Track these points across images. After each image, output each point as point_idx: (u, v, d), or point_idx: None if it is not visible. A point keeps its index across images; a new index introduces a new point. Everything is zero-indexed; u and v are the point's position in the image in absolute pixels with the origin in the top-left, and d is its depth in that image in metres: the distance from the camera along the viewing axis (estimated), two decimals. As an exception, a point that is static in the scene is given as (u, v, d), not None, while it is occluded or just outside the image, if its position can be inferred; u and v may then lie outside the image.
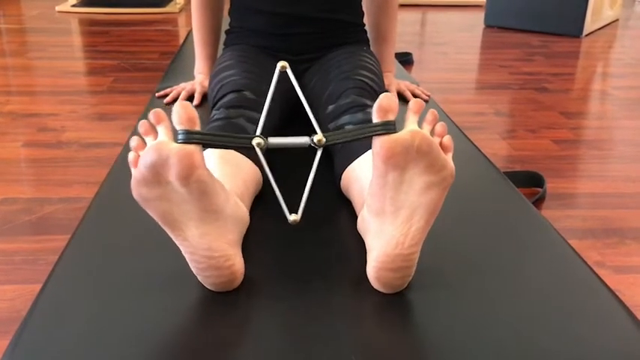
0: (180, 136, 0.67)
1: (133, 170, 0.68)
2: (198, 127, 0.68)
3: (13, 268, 1.20)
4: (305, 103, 0.77)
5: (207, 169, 0.69)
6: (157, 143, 0.66)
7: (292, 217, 0.72)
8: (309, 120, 1.26)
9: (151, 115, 0.68)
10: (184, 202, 0.68)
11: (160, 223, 0.69)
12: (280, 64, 0.75)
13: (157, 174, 0.66)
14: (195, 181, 0.67)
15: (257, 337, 0.66)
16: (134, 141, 0.69)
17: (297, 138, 0.74)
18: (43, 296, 0.72)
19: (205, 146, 0.71)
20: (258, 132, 0.75)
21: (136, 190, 0.67)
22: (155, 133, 0.68)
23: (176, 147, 0.66)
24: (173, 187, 0.67)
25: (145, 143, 0.68)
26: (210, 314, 0.70)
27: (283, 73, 0.80)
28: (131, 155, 0.68)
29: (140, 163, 0.66)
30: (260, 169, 0.96)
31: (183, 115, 0.67)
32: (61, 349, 0.64)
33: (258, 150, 0.73)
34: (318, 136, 0.73)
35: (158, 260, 0.80)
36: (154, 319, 0.69)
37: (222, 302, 0.72)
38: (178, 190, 0.67)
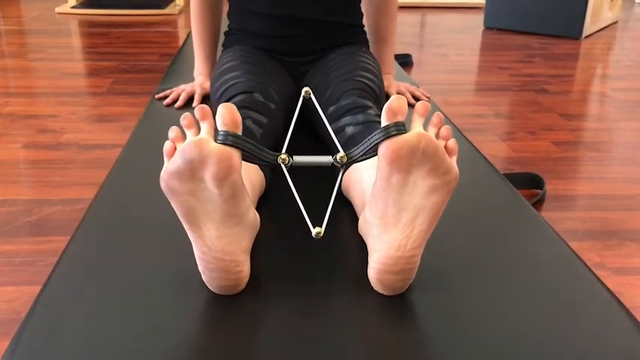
0: (220, 137, 0.66)
1: (166, 160, 0.67)
2: (240, 132, 0.68)
3: (12, 270, 1.20)
4: (328, 125, 0.78)
5: (241, 175, 0.69)
6: (199, 139, 0.65)
7: (316, 230, 0.72)
8: (312, 127, 1.26)
9: (197, 110, 0.68)
10: (211, 202, 0.68)
11: (180, 217, 0.69)
12: (305, 90, 0.76)
13: (192, 170, 0.66)
14: (229, 184, 0.67)
15: (258, 339, 0.66)
16: (173, 132, 0.68)
17: (320, 157, 0.75)
18: (43, 298, 0.72)
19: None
20: (284, 149, 0.75)
21: (167, 182, 0.67)
22: (197, 128, 0.68)
23: (217, 147, 0.65)
24: (205, 186, 0.67)
25: (184, 136, 0.68)
26: (211, 316, 0.70)
27: (303, 98, 0.80)
28: (168, 145, 0.68)
29: (177, 155, 0.66)
30: (265, 175, 0.96)
31: (228, 117, 0.67)
32: (60, 351, 0.64)
33: (283, 166, 0.73)
34: (340, 154, 0.73)
35: (158, 262, 0.80)
36: (154, 321, 0.69)
37: (222, 304, 0.72)
38: (209, 190, 0.67)
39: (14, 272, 1.19)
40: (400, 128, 0.68)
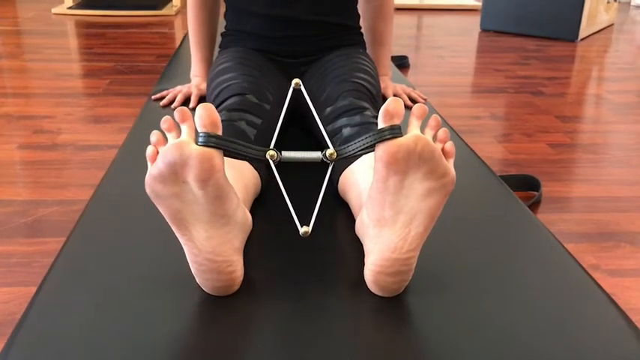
0: (200, 138, 0.66)
1: (149, 165, 0.67)
2: (220, 132, 0.68)
3: (7, 271, 1.20)
4: (318, 119, 0.77)
5: (225, 175, 0.69)
6: (179, 142, 0.65)
7: (303, 230, 0.72)
8: (306, 125, 1.26)
9: (177, 113, 0.68)
10: (197, 204, 0.68)
11: (168, 221, 0.69)
12: (295, 81, 0.75)
13: (174, 173, 0.66)
14: (212, 184, 0.67)
15: (254, 341, 0.66)
16: (154, 136, 0.68)
17: (309, 153, 0.74)
18: (38, 299, 0.72)
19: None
20: (272, 144, 0.74)
21: (151, 186, 0.67)
22: (178, 131, 0.68)
23: (197, 149, 0.65)
24: (189, 188, 0.67)
25: (165, 139, 0.68)
26: (207, 318, 0.70)
27: (293, 89, 0.80)
28: (150, 150, 0.68)
29: (159, 159, 0.66)
30: (260, 175, 0.96)
31: (207, 118, 0.67)
32: (55, 353, 0.63)
33: (271, 162, 0.73)
34: (330, 150, 0.73)
35: (154, 263, 0.79)
36: (149, 322, 0.68)
37: (218, 306, 0.72)
38: (194, 192, 0.67)
39: (9, 273, 1.19)
40: (396, 131, 0.68)
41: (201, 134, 0.67)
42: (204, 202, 0.68)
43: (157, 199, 0.68)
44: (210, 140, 0.67)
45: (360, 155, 0.72)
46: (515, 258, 0.83)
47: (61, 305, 0.71)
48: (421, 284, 0.76)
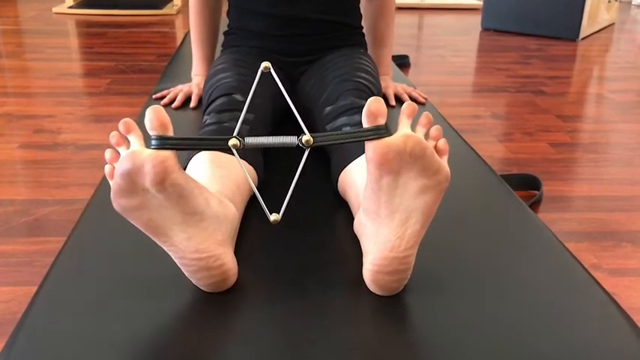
0: (153, 142, 0.66)
1: (110, 183, 0.68)
2: (171, 132, 0.68)
3: (8, 270, 1.20)
4: (289, 100, 0.74)
5: (183, 173, 0.68)
6: (129, 152, 0.66)
7: (273, 217, 0.71)
8: (305, 124, 1.26)
9: (121, 125, 0.68)
10: (164, 208, 0.68)
11: (144, 231, 0.69)
12: (263, 64, 0.73)
13: (132, 182, 0.66)
14: (170, 185, 0.66)
15: (252, 340, 0.66)
16: (108, 153, 0.69)
17: (283, 138, 0.72)
18: (39, 298, 0.72)
19: (179, 150, 0.70)
20: (235, 132, 0.73)
21: (116, 202, 0.67)
22: (127, 142, 0.68)
23: (149, 153, 0.65)
24: (151, 195, 0.67)
25: (118, 154, 0.68)
26: (207, 317, 0.70)
27: (267, 74, 0.78)
28: (107, 168, 0.68)
29: (115, 173, 0.66)
30: (258, 173, 0.96)
31: (155, 120, 0.67)
32: (56, 352, 0.64)
33: (234, 151, 0.71)
34: (307, 137, 0.71)
35: (154, 262, 0.79)
36: (150, 321, 0.68)
37: (218, 304, 0.72)
38: (156, 197, 0.67)
39: (10, 273, 1.19)
40: (381, 132, 0.67)
41: (152, 138, 0.67)
42: (170, 205, 0.68)
43: (126, 214, 0.68)
44: (161, 143, 0.66)
45: (343, 144, 0.71)
46: (515, 257, 0.83)
47: (62, 304, 0.71)
48: (421, 283, 0.76)
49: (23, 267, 1.21)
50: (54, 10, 4.08)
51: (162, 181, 0.66)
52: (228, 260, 0.73)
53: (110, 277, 0.76)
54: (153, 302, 0.72)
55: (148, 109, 0.67)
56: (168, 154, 0.66)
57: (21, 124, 1.99)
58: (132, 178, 0.66)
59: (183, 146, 0.68)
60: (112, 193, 0.67)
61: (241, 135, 1.01)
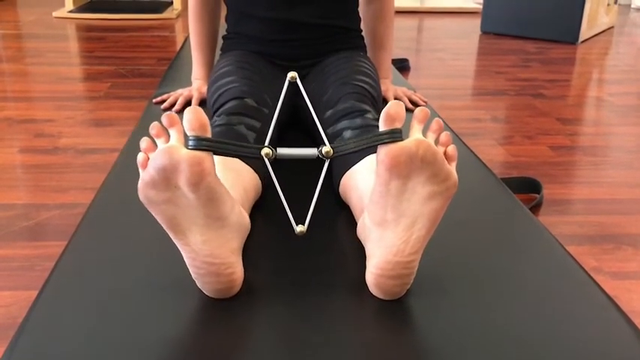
0: (190, 142, 0.66)
1: (141, 171, 0.68)
2: (209, 134, 0.68)
3: (9, 274, 1.20)
4: (314, 115, 0.77)
5: (217, 177, 0.69)
6: (168, 147, 0.66)
7: (299, 229, 0.72)
8: (307, 127, 1.26)
9: (164, 118, 0.68)
10: (191, 208, 0.68)
11: (163, 226, 0.69)
12: (290, 74, 0.75)
13: (166, 178, 0.66)
14: (204, 187, 0.66)
15: (255, 343, 0.66)
16: (144, 142, 0.68)
17: (305, 150, 0.74)
18: (40, 303, 0.72)
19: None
20: (266, 142, 0.74)
21: (143, 192, 0.67)
22: (167, 136, 0.68)
23: (187, 153, 0.65)
24: (181, 192, 0.67)
25: (155, 145, 0.68)
26: (209, 320, 0.70)
27: (289, 82, 0.79)
28: (140, 156, 0.68)
29: (150, 165, 0.66)
30: (260, 177, 0.96)
31: (195, 121, 0.67)
32: (57, 356, 0.63)
33: (266, 160, 0.73)
34: (326, 148, 0.72)
35: (155, 267, 0.79)
36: (150, 326, 0.68)
37: (220, 308, 0.72)
38: (186, 196, 0.67)
39: (11, 277, 1.19)
40: (396, 135, 0.68)
41: (190, 138, 0.67)
42: (197, 206, 0.68)
43: (150, 205, 0.68)
44: (199, 143, 0.67)
45: (357, 154, 0.72)
46: (516, 260, 0.83)
47: (63, 309, 0.71)
48: (422, 287, 0.76)
49: (24, 271, 1.21)
50: (54, 14, 4.08)
51: (198, 183, 0.66)
52: (239, 269, 0.73)
53: (111, 282, 0.76)
54: (154, 306, 0.72)
55: (187, 110, 0.68)
56: (205, 156, 0.66)
57: (21, 129, 2.00)
58: (166, 174, 0.66)
59: (219, 149, 0.68)
60: (140, 182, 0.67)
61: (252, 143, 1.01)
